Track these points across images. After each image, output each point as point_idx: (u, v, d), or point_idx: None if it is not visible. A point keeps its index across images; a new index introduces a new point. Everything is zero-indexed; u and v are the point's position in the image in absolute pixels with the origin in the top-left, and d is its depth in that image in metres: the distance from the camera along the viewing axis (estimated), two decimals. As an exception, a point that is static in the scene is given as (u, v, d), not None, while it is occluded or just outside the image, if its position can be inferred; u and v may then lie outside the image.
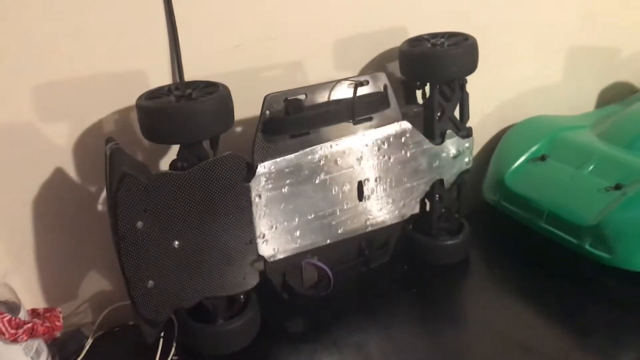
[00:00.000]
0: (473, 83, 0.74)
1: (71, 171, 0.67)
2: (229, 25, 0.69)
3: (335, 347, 0.66)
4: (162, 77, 0.66)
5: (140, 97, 0.59)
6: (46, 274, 0.68)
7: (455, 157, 0.75)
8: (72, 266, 0.70)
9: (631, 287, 0.70)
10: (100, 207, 0.69)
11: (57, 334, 0.62)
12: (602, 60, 0.97)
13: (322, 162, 0.66)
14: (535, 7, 0.88)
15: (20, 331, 0.56)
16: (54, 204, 0.67)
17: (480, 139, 0.90)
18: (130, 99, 0.64)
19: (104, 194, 0.69)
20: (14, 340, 0.56)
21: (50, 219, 0.67)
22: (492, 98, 0.89)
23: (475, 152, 0.86)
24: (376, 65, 0.78)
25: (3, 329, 0.55)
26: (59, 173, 0.66)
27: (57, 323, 0.61)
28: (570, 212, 0.73)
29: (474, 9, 0.82)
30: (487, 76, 0.77)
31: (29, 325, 0.57)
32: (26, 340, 0.58)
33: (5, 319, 0.56)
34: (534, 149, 0.82)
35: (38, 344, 0.61)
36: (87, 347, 0.66)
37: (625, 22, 0.97)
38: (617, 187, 0.72)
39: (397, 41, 0.74)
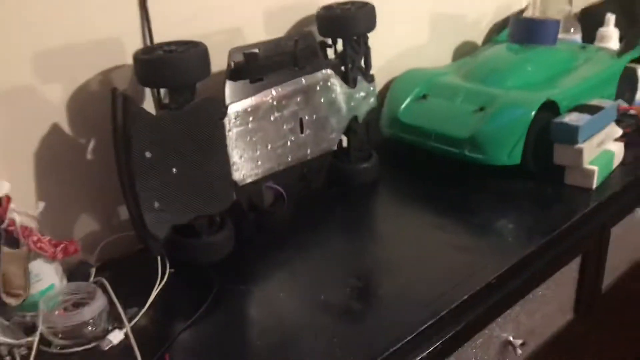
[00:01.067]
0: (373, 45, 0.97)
1: (64, 126, 0.78)
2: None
3: (290, 249, 0.85)
4: (135, 42, 0.81)
5: (136, 52, 0.73)
6: (44, 217, 0.79)
7: (364, 98, 0.97)
8: (66, 210, 0.81)
9: (501, 177, 0.97)
10: (89, 156, 0.81)
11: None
12: (454, 24, 1.26)
13: (274, 103, 0.84)
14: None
15: (58, 250, 0.68)
16: (50, 154, 0.78)
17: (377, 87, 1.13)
18: (108, 62, 0.78)
19: (92, 144, 0.81)
20: (54, 257, 0.68)
21: (47, 168, 0.78)
22: (380, 56, 1.13)
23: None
24: (298, 30, 0.97)
25: (45, 247, 0.67)
26: (54, 127, 0.77)
27: (77, 248, 0.73)
28: (451, 131, 0.98)
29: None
30: (375, 39, 1.00)
31: (63, 245, 0.69)
32: (61, 258, 0.69)
33: (46, 239, 0.67)
34: (416, 91, 1.07)
35: (59, 269, 0.73)
36: (93, 274, 0.79)
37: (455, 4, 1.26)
38: (481, 109, 0.98)
39: (312, 10, 0.95)
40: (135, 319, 0.71)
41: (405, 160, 1.08)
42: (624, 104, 1.05)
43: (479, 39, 1.31)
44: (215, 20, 0.88)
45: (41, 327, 0.66)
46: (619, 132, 1.00)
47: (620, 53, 1.13)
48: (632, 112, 1.06)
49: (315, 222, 0.91)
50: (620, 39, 1.29)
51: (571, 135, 0.91)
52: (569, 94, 1.00)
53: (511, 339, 0.84)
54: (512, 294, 0.81)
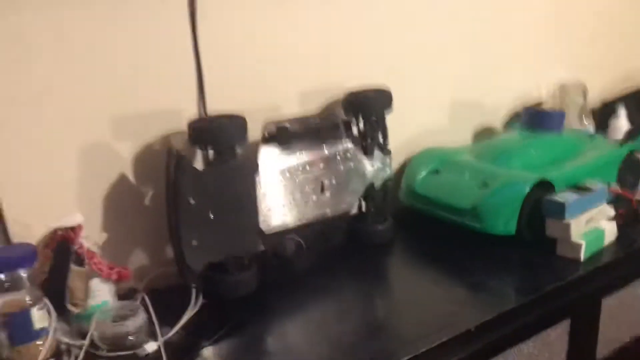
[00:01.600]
0: (394, 125, 1.14)
1: (130, 176, 0.97)
2: (235, 78, 1.04)
3: (306, 292, 0.99)
4: (192, 113, 1.00)
5: (191, 121, 0.92)
6: (106, 247, 0.96)
7: (380, 168, 1.13)
8: (124, 244, 0.99)
9: (498, 245, 1.09)
10: (147, 202, 0.99)
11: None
12: (473, 110, 1.41)
13: (299, 167, 1.01)
14: (430, 74, 1.31)
15: (113, 272, 0.85)
16: (117, 198, 0.97)
17: (396, 162, 1.29)
18: (169, 127, 0.98)
19: (150, 193, 0.99)
20: (108, 278, 0.85)
21: (113, 212, 0.97)
22: (400, 136, 1.29)
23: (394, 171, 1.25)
24: (326, 108, 1.16)
25: (103, 269, 0.84)
26: (122, 177, 0.97)
27: (129, 274, 0.89)
28: (456, 202, 1.12)
29: (392, 70, 1.23)
30: (397, 120, 1.17)
31: (117, 269, 0.86)
32: (115, 279, 0.86)
33: (105, 263, 0.85)
34: (430, 166, 1.22)
35: (113, 289, 0.90)
36: (139, 298, 0.95)
37: (488, 86, 1.42)
38: (484, 184, 1.12)
39: (339, 92, 1.13)
40: (168, 335, 0.86)
41: (417, 226, 1.21)
42: (615, 187, 1.15)
43: (498, 124, 1.46)
44: (258, 98, 1.07)
45: (93, 333, 0.82)
46: (611, 212, 1.11)
47: (622, 142, 1.25)
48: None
49: (331, 272, 1.05)
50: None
51: (559, 211, 1.03)
52: (564, 176, 1.12)
53: (497, 389, 0.94)
54: (493, 344, 0.91)
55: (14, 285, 0.75)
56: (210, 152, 0.94)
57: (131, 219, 0.99)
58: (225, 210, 0.93)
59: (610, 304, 1.10)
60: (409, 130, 1.31)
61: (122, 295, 0.93)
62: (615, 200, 1.15)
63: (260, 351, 0.86)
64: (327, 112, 1.08)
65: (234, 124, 0.93)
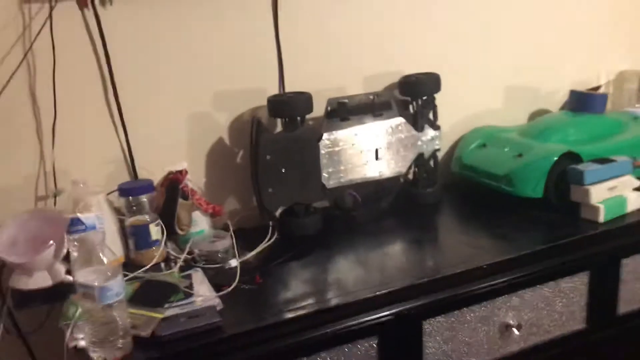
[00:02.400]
0: (452, 106, 1.35)
1: (226, 139, 1.27)
2: (309, 64, 1.31)
3: (360, 235, 1.23)
4: (274, 91, 1.28)
5: (270, 96, 1.19)
6: (207, 192, 1.27)
7: (430, 140, 1.34)
8: (221, 190, 1.29)
9: (531, 207, 1.26)
10: (238, 160, 1.28)
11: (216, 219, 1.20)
12: (531, 94, 1.57)
13: (357, 136, 1.25)
14: (486, 60, 1.49)
15: (210, 207, 1.15)
16: (216, 155, 1.27)
17: (453, 138, 1.49)
18: (256, 101, 1.26)
19: (240, 153, 1.28)
20: (206, 211, 1.14)
21: (212, 165, 1.27)
22: (457, 115, 1.49)
23: (449, 145, 1.46)
24: (383, 90, 1.39)
25: (202, 204, 1.14)
26: (220, 140, 1.27)
27: (222, 211, 1.18)
28: (494, 169, 1.30)
29: (447, 57, 1.44)
30: (455, 102, 1.38)
31: (213, 206, 1.15)
32: (211, 213, 1.15)
33: (203, 199, 1.14)
34: (478, 141, 1.41)
35: (209, 221, 1.19)
36: (229, 232, 1.24)
37: (546, 72, 1.57)
38: (519, 155, 1.29)
39: (397, 76, 1.35)
40: (246, 257, 1.13)
41: (462, 191, 1.42)
42: (638, 160, 1.28)
43: (554, 108, 1.60)
44: (328, 81, 1.33)
45: (194, 250, 1.12)
46: (635, 183, 1.24)
47: (660, 123, 1.36)
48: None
49: (382, 223, 1.29)
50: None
51: (579, 177, 1.19)
52: (592, 150, 1.27)
53: (510, 322, 1.12)
54: (507, 283, 1.10)
55: (138, 208, 1.07)
56: (283, 121, 1.21)
57: (226, 171, 1.29)
58: (293, 167, 1.20)
59: (631, 265, 1.23)
60: (466, 110, 1.51)
61: (217, 228, 1.23)
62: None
63: (316, 270, 1.11)
64: (380, 93, 1.31)
65: (302, 99, 1.19)
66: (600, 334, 1.24)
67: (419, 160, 1.34)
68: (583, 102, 1.41)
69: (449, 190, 1.42)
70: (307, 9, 1.29)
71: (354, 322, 0.99)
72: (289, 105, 1.19)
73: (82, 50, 1.13)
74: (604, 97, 1.40)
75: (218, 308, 0.94)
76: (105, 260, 0.83)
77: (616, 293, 1.24)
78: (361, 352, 1.01)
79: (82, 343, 0.85)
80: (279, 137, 1.19)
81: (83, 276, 0.82)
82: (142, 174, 1.20)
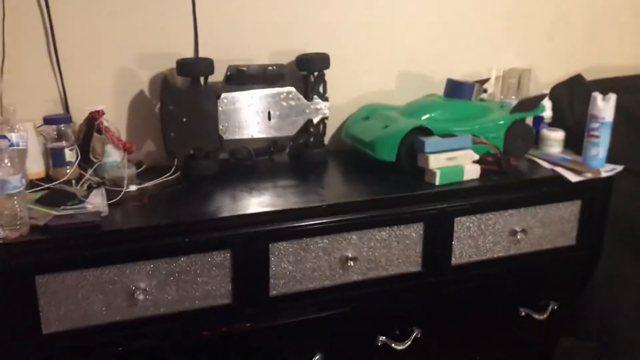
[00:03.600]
0: (351, 84, 1.64)
1: (147, 91, 1.56)
2: (222, 37, 1.59)
3: (252, 178, 1.51)
4: (189, 54, 1.57)
5: (178, 59, 1.48)
6: (129, 136, 1.56)
7: (318, 109, 1.61)
8: (137, 133, 1.58)
9: (388, 170, 1.53)
10: (155, 110, 1.57)
11: (131, 156, 1.49)
12: (422, 80, 1.83)
13: (251, 98, 1.53)
14: (385, 46, 1.76)
15: (120, 142, 1.44)
16: (138, 105, 1.56)
17: (349, 111, 1.76)
18: (171, 64, 1.54)
19: (158, 104, 1.57)
20: (117, 146, 1.44)
21: (135, 113, 1.56)
22: (358, 92, 1.76)
23: (344, 118, 1.74)
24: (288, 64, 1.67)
25: (114, 139, 1.43)
26: (141, 92, 1.56)
27: (133, 148, 1.47)
28: (363, 137, 1.58)
29: (349, 42, 1.71)
30: (357, 82, 1.65)
31: (125, 142, 1.44)
32: (122, 148, 1.44)
33: (116, 135, 1.43)
34: (364, 114, 1.69)
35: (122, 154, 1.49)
36: (143, 167, 1.53)
37: (440, 62, 1.83)
38: (385, 127, 1.56)
39: (294, 55, 1.63)
40: (147, 184, 1.42)
41: (345, 155, 1.70)
42: (479, 139, 1.54)
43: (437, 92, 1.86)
44: (239, 52, 1.61)
45: (105, 175, 1.41)
46: (474, 156, 1.50)
47: (512, 111, 1.62)
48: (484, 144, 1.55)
49: (273, 172, 1.58)
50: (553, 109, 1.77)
51: (421, 146, 1.46)
52: (446, 127, 1.54)
53: (349, 255, 1.40)
54: (348, 223, 1.37)
55: (60, 135, 1.37)
56: (187, 80, 1.49)
57: (145, 118, 1.58)
58: (194, 118, 1.48)
59: (465, 223, 1.50)
60: (363, 89, 1.78)
61: (132, 163, 1.53)
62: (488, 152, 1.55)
63: (194, 199, 1.39)
64: (276, 64, 1.58)
65: (204, 63, 1.48)
66: (433, 278, 1.51)
67: (309, 125, 1.62)
68: (455, 89, 1.67)
69: (336, 154, 1.70)
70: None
71: (208, 236, 1.28)
72: (192, 67, 1.47)
73: (29, 6, 1.43)
74: (472, 86, 1.66)
75: (103, 214, 1.24)
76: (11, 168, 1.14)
77: (450, 246, 1.51)
78: (217, 261, 1.30)
79: (-9, 225, 1.16)
80: (181, 92, 1.48)
81: (-7, 172, 1.12)
82: (73, 112, 1.50)
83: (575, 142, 1.68)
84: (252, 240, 1.31)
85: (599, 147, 1.58)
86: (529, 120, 1.77)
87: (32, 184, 1.33)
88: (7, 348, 1.19)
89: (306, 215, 1.35)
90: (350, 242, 1.40)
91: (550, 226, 1.60)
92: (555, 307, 1.67)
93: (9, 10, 1.40)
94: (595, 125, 1.57)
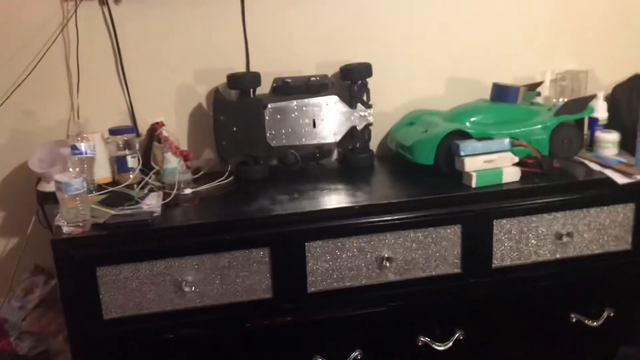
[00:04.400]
0: (397, 91, 1.71)
1: (203, 103, 1.71)
2: (272, 50, 1.71)
3: (300, 181, 1.61)
4: (241, 69, 1.70)
5: (228, 74, 1.61)
6: (188, 145, 1.72)
7: (362, 116, 1.68)
8: (194, 139, 1.73)
9: (425, 173, 1.58)
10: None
11: (190, 162, 1.63)
12: (471, 86, 1.84)
13: (295, 107, 1.63)
14: (431, 53, 1.80)
15: (178, 151, 1.58)
16: (196, 117, 1.71)
17: (396, 118, 1.81)
18: (223, 77, 1.68)
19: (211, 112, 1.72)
20: (175, 153, 1.58)
21: (194, 125, 1.72)
22: (404, 99, 1.82)
23: (392, 125, 1.79)
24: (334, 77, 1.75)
25: (172, 147, 1.58)
26: (199, 106, 1.71)
27: (190, 155, 1.62)
28: (404, 141, 1.63)
29: (395, 50, 1.77)
30: (403, 89, 1.72)
31: (182, 150, 1.59)
32: (179, 155, 1.59)
33: (174, 144, 1.58)
34: (409, 120, 1.74)
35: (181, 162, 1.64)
36: (201, 173, 1.67)
37: (489, 66, 1.84)
38: (425, 131, 1.60)
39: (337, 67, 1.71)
40: (201, 187, 1.56)
41: (390, 159, 1.76)
42: (518, 142, 1.53)
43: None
44: (288, 65, 1.72)
45: (164, 180, 1.57)
46: (514, 159, 1.50)
47: (557, 113, 1.60)
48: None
49: (318, 176, 1.67)
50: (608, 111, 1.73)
51: (457, 150, 1.49)
52: (485, 130, 1.55)
53: (385, 255, 1.45)
54: (376, 223, 1.43)
55: (124, 144, 1.55)
56: (236, 92, 1.62)
57: (203, 129, 1.72)
58: (243, 127, 1.61)
59: (505, 226, 1.50)
60: (409, 95, 1.83)
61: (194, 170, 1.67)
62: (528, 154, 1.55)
63: (242, 201, 1.50)
64: (318, 75, 1.67)
65: (251, 76, 1.61)
66: (474, 280, 1.52)
67: (353, 132, 1.70)
68: (499, 92, 1.68)
69: (383, 159, 1.77)
70: (272, 5, 1.70)
71: (247, 234, 1.39)
72: (240, 80, 1.60)
73: (99, 32, 1.63)
74: (517, 89, 1.65)
75: (155, 214, 1.39)
76: (75, 170, 1.31)
77: (490, 248, 1.51)
78: (257, 257, 1.40)
79: (60, 222, 1.33)
80: (231, 103, 1.61)
81: (59, 176, 1.29)
82: (140, 124, 1.67)
83: (633, 144, 1.63)
84: (288, 239, 1.40)
85: (652, 148, 1.53)
86: (585, 123, 1.74)
87: (99, 188, 1.50)
88: (73, 331, 1.36)
89: (339, 216, 1.43)
90: (385, 242, 1.45)
91: (601, 230, 1.56)
92: (612, 314, 1.62)
93: (82, 36, 1.60)
94: (647, 125, 1.53)
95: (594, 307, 1.62)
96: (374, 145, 1.80)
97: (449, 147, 1.53)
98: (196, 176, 1.64)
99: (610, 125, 1.75)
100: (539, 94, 1.79)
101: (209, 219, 1.41)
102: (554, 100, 1.82)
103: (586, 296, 1.61)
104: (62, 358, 1.57)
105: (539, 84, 1.82)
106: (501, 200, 1.49)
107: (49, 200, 1.50)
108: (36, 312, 1.64)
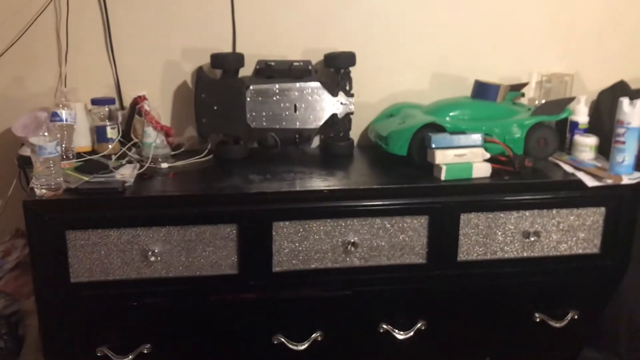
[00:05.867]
0: (382, 83, 1.73)
1: (189, 83, 1.74)
2: (260, 34, 1.73)
3: (278, 163, 1.64)
4: (227, 50, 1.73)
5: (212, 54, 1.64)
6: (172, 121, 1.75)
7: (342, 104, 1.70)
8: (176, 116, 1.77)
9: (400, 164, 1.59)
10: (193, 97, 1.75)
11: (171, 139, 1.66)
12: (457, 82, 1.86)
13: (277, 91, 1.66)
14: (418, 47, 1.82)
15: (159, 125, 1.62)
16: (180, 93, 1.74)
17: (380, 108, 1.83)
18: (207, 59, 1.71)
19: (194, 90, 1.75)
20: (155, 128, 1.62)
21: (178, 101, 1.75)
22: (389, 91, 1.83)
23: (375, 115, 1.81)
24: (319, 64, 1.77)
25: (153, 121, 1.61)
26: (184, 83, 1.74)
27: (171, 131, 1.65)
28: (381, 132, 1.65)
29: (381, 42, 1.79)
30: (388, 81, 1.74)
31: (163, 125, 1.62)
32: (160, 130, 1.62)
33: (155, 118, 1.62)
34: (389, 112, 1.76)
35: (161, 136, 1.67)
36: (181, 149, 1.71)
37: (476, 64, 1.85)
38: (402, 122, 1.62)
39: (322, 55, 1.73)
40: (179, 163, 1.60)
41: (369, 149, 1.78)
42: (490, 138, 1.55)
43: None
44: (274, 50, 1.75)
45: (143, 153, 1.60)
46: (485, 155, 1.52)
47: (533, 113, 1.61)
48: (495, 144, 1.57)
49: (299, 159, 1.69)
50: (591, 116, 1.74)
51: (429, 142, 1.50)
52: (462, 125, 1.57)
53: (351, 240, 1.48)
54: (343, 208, 1.46)
55: (105, 115, 1.58)
56: (220, 72, 1.65)
57: (187, 107, 1.75)
58: (224, 106, 1.64)
59: (473, 220, 1.52)
60: (394, 87, 1.85)
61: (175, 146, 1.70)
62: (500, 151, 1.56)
63: (215, 178, 1.54)
64: (301, 60, 1.69)
65: (235, 57, 1.63)
66: (438, 271, 1.54)
67: (334, 119, 1.72)
68: (480, 90, 1.69)
69: (363, 148, 1.79)
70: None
71: (216, 210, 1.42)
72: (224, 60, 1.63)
73: (90, 7, 1.66)
74: (497, 87, 1.67)
75: (127, 184, 1.42)
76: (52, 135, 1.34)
77: (456, 241, 1.53)
78: (224, 233, 1.43)
79: (34, 184, 1.37)
80: (213, 81, 1.64)
81: (33, 139, 1.33)
82: (125, 98, 1.71)
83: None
84: (256, 217, 1.43)
85: (625, 154, 1.54)
86: (567, 126, 1.75)
87: (78, 156, 1.54)
88: (41, 292, 1.40)
89: (307, 199, 1.45)
90: (352, 227, 1.48)
91: (570, 232, 1.58)
92: (576, 317, 1.63)
93: (72, 6, 1.64)
94: (621, 130, 1.53)
95: (558, 308, 1.64)
96: (355, 134, 1.82)
97: (422, 139, 1.55)
98: (176, 152, 1.67)
99: (591, 130, 1.75)
100: (523, 95, 1.80)
101: (178, 192, 1.44)
102: (537, 102, 1.83)
103: (551, 297, 1.63)
104: (33, 319, 1.61)
105: (524, 84, 1.83)
106: (469, 195, 1.51)
107: (30, 164, 1.53)
108: (12, 274, 1.69)
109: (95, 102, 1.60)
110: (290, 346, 1.50)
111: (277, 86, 1.66)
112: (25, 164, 1.55)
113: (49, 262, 1.39)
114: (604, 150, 1.69)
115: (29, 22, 1.63)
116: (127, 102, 1.70)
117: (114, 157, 1.57)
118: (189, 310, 1.47)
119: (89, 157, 1.53)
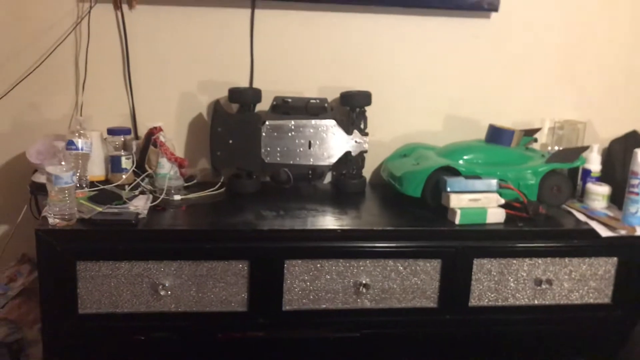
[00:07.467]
0: (397, 123, 1.74)
1: (204, 115, 1.75)
2: (277, 72, 1.74)
3: (290, 199, 1.63)
4: (244, 84, 1.74)
5: (231, 88, 1.65)
6: (185, 153, 1.75)
7: (357, 142, 1.71)
8: (191, 147, 1.77)
9: (414, 205, 1.59)
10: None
11: (184, 170, 1.66)
12: (469, 125, 1.87)
13: (292, 127, 1.66)
14: (433, 90, 1.83)
15: (173, 157, 1.61)
16: (195, 123, 1.75)
17: (394, 147, 1.84)
18: (226, 91, 1.71)
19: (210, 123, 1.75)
20: (170, 159, 1.61)
21: (193, 133, 1.75)
22: (402, 131, 1.84)
23: (388, 154, 1.82)
24: (335, 101, 1.78)
25: (167, 153, 1.61)
26: (199, 115, 1.75)
27: (185, 163, 1.65)
28: (396, 172, 1.65)
29: (398, 83, 1.80)
30: (403, 121, 1.75)
31: (177, 156, 1.62)
32: (174, 161, 1.62)
33: (169, 150, 1.61)
34: (403, 151, 1.76)
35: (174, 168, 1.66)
36: (194, 181, 1.70)
37: (490, 108, 1.86)
38: (417, 164, 1.63)
39: (338, 92, 1.74)
40: (192, 196, 1.59)
41: (381, 187, 1.78)
42: (505, 183, 1.55)
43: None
44: (290, 86, 1.75)
45: (156, 184, 1.59)
46: (500, 200, 1.52)
47: (548, 160, 1.61)
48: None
49: (311, 197, 1.69)
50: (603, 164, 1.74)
51: (444, 185, 1.50)
52: (476, 169, 1.57)
53: (363, 281, 1.46)
54: (356, 249, 1.45)
55: (120, 145, 1.58)
56: (237, 106, 1.66)
57: (202, 139, 1.75)
58: (239, 140, 1.64)
59: (486, 266, 1.51)
60: (409, 128, 1.85)
61: (187, 177, 1.70)
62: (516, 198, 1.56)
63: (227, 212, 1.53)
64: (317, 98, 1.70)
65: (253, 92, 1.64)
66: (449, 316, 1.53)
67: (348, 157, 1.72)
68: (494, 134, 1.70)
69: (376, 187, 1.79)
70: (280, 29, 1.74)
71: (230, 246, 1.41)
72: (241, 94, 1.64)
73: (110, 33, 1.67)
74: (511, 132, 1.68)
75: (140, 216, 1.41)
76: (67, 164, 1.34)
77: (468, 286, 1.52)
78: (235, 270, 1.42)
79: (47, 213, 1.36)
80: (230, 115, 1.64)
81: (50, 168, 1.32)
82: (141, 128, 1.71)
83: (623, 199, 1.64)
84: (268, 255, 1.42)
85: (638, 205, 1.54)
86: (579, 174, 1.75)
87: (91, 185, 1.54)
88: (47, 321, 1.38)
89: (321, 238, 1.44)
90: (364, 269, 1.47)
91: (582, 281, 1.57)
92: (586, 366, 1.62)
93: (93, 36, 1.65)
94: (635, 182, 1.53)
95: (569, 357, 1.62)
96: (367, 172, 1.82)
97: (437, 181, 1.55)
98: (189, 184, 1.67)
99: (603, 179, 1.76)
100: (535, 140, 1.81)
101: (192, 226, 1.44)
102: (549, 147, 1.84)
103: (562, 345, 1.61)
104: (36, 348, 1.59)
105: (537, 130, 1.84)
106: (483, 240, 1.51)
107: (42, 191, 1.53)
108: (17, 301, 1.66)
109: (111, 132, 1.60)
110: (298, 387, 1.48)
111: (292, 122, 1.66)
112: (38, 190, 1.54)
113: (57, 292, 1.37)
114: (616, 198, 1.69)
115: (49, 49, 1.64)
116: (141, 132, 1.70)
117: (127, 188, 1.57)
118: (196, 345, 1.45)
119: (102, 187, 1.52)
